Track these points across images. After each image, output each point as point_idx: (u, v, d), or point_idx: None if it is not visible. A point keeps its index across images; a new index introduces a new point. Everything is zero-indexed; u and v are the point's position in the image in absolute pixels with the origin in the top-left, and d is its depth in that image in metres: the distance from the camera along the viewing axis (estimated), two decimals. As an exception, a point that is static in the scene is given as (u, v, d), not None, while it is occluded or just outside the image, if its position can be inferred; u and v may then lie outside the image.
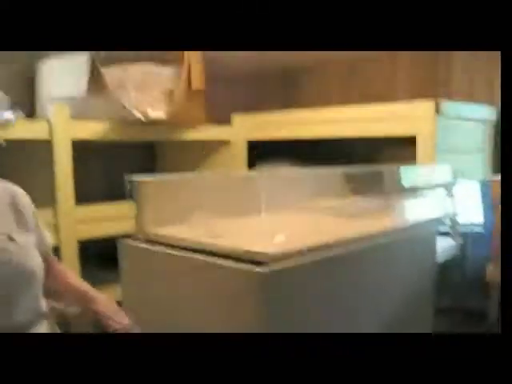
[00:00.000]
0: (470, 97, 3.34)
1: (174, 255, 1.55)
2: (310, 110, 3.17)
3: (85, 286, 1.52)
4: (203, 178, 1.97)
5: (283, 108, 3.53)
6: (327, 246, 1.51)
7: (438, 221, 2.42)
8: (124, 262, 1.72)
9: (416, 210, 2.29)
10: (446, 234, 2.78)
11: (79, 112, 2.66)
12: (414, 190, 2.45)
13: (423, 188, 2.49)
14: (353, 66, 3.84)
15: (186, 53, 2.97)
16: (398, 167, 2.37)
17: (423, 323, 1.99)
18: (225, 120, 3.41)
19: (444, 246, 2.67)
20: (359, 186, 2.41)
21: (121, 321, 1.42)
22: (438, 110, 2.61)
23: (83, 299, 1.47)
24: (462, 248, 2.83)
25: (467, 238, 2.92)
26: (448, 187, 2.66)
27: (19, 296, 1.24)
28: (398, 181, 2.44)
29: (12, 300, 1.22)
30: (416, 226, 1.95)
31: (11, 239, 1.27)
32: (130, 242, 1.73)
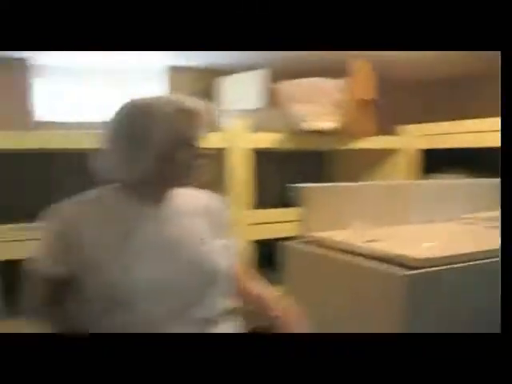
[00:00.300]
0: None
1: (332, 257, 1.69)
2: (486, 120, 3.10)
3: (262, 289, 1.49)
4: (361, 187, 2.07)
5: (449, 117, 3.48)
6: (472, 255, 1.54)
7: None
8: (287, 262, 1.90)
9: None
10: None
11: (255, 124, 2.91)
12: None
13: None
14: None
15: (354, 64, 3.08)
16: None
17: None
18: (392, 129, 3.46)
19: None
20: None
21: (296, 323, 1.38)
22: None
23: (258, 303, 1.46)
24: None
25: None
26: None
27: (208, 293, 1.33)
28: None
29: (202, 297, 1.32)
30: None
31: (206, 242, 1.36)
32: (293, 244, 1.90)
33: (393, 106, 3.86)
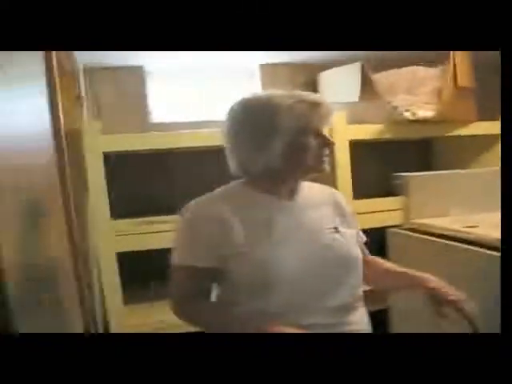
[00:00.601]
0: None
1: (434, 241, 1.80)
2: None
3: (401, 268, 1.52)
4: (461, 174, 2.15)
5: None
6: None
7: None
8: (392, 247, 2.02)
9: None
10: None
11: (355, 116, 3.02)
12: None
13: None
14: None
15: (452, 52, 3.11)
16: None
17: None
18: (494, 115, 3.44)
19: None
20: None
21: (455, 293, 1.38)
22: None
23: (407, 279, 1.47)
24: None
25: None
26: None
27: (344, 279, 1.37)
28: None
29: (339, 282, 1.36)
30: None
31: (337, 231, 1.41)
32: (398, 230, 2.02)
33: (493, 93, 3.83)
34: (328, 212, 1.46)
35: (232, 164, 1.40)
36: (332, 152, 2.85)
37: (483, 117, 3.33)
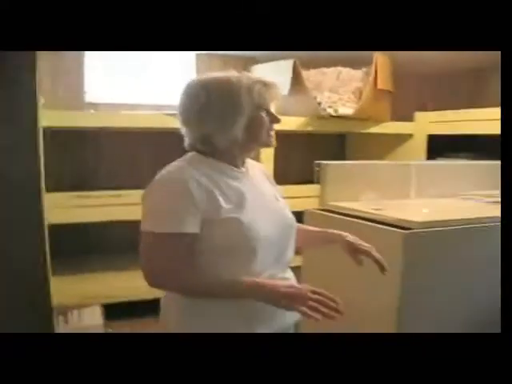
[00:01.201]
0: None
1: (346, 220, 2.07)
2: (486, 109, 3.44)
3: (320, 229, 1.74)
4: (373, 165, 2.44)
5: (469, 105, 3.80)
6: (459, 221, 1.93)
7: None
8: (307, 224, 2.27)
9: None
10: None
11: (283, 108, 3.26)
12: None
13: None
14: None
15: (374, 55, 3.42)
16: None
17: None
18: (407, 117, 3.82)
19: None
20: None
21: (366, 244, 1.60)
22: None
23: (328, 236, 1.68)
24: None
25: None
26: None
27: (290, 240, 1.52)
28: None
29: (288, 243, 1.51)
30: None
31: (277, 199, 1.56)
32: (314, 210, 2.28)
33: (408, 96, 4.21)
34: (266, 183, 1.61)
35: (191, 138, 1.46)
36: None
37: (395, 118, 3.70)
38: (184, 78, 3.53)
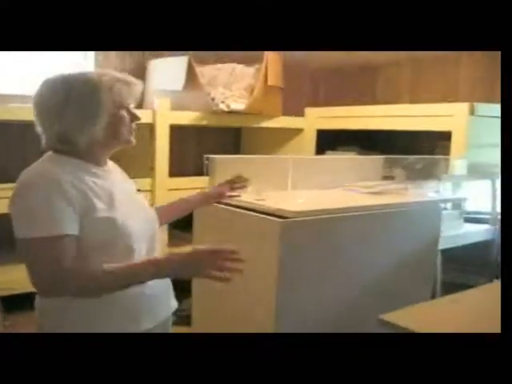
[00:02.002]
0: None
1: (230, 210, 2.21)
2: (369, 107, 3.71)
3: (177, 200, 1.90)
4: (259, 159, 2.60)
5: (358, 102, 4.06)
6: (329, 210, 2.12)
7: (457, 204, 2.91)
8: (196, 215, 2.40)
9: (428, 194, 2.77)
10: (485, 219, 3.26)
11: (178, 103, 3.36)
12: (452, 178, 2.96)
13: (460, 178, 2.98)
14: (419, 66, 4.28)
15: (265, 53, 3.58)
16: (444, 158, 2.92)
17: (423, 286, 2.54)
18: (298, 112, 4.02)
19: (479, 229, 3.17)
20: (407, 172, 2.98)
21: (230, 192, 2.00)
22: (472, 111, 3.07)
23: (187, 203, 1.91)
24: (496, 232, 3.25)
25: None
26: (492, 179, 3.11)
27: (155, 233, 1.57)
28: (440, 170, 2.97)
29: (154, 236, 1.55)
30: (417, 204, 2.49)
31: (142, 198, 1.63)
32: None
33: (298, 92, 4.43)
34: (126, 179, 1.64)
35: (48, 137, 1.42)
36: (153, 134, 3.19)
37: (287, 113, 3.89)
38: (79, 71, 3.55)
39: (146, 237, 1.51)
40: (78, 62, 3.69)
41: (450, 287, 3.03)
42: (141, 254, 1.46)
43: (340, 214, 2.14)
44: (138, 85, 1.49)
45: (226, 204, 2.28)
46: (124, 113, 1.45)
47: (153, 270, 1.35)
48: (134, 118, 1.48)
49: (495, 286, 1.75)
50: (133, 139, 1.49)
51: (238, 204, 2.20)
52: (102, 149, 1.47)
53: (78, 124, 1.38)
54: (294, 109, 4.03)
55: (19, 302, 2.84)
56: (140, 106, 3.36)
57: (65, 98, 1.37)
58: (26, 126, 3.28)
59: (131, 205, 1.50)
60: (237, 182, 1.98)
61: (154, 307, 1.50)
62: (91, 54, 3.74)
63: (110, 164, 1.57)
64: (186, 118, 3.40)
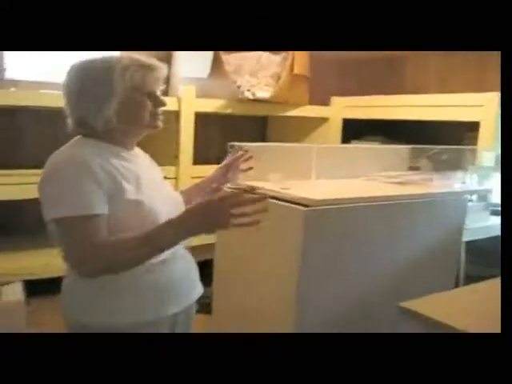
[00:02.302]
0: None
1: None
2: (395, 96, 3.68)
3: (194, 184, 1.88)
4: (281, 147, 2.59)
5: (385, 92, 4.03)
6: (353, 199, 2.11)
7: (483, 196, 2.88)
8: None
9: (454, 185, 2.73)
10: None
11: (203, 90, 3.37)
12: (479, 170, 2.93)
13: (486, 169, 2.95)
14: (447, 56, 4.23)
15: (293, 43, 3.56)
16: (471, 149, 2.89)
17: (447, 278, 2.53)
18: (324, 101, 4.01)
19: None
20: (433, 162, 2.94)
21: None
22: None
23: (206, 184, 1.87)
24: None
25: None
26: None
27: None
28: (467, 161, 2.94)
29: None
30: (441, 195, 2.46)
31: (168, 183, 1.63)
32: (226, 188, 2.41)
33: (324, 81, 4.40)
34: (153, 164, 1.65)
35: (71, 121, 1.45)
36: (178, 121, 3.21)
37: (313, 102, 3.87)
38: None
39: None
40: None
41: (474, 280, 3.01)
42: None
43: (363, 204, 2.12)
44: (161, 69, 1.47)
45: (250, 192, 2.29)
46: (144, 97, 1.43)
47: (170, 230, 1.35)
48: (159, 103, 1.47)
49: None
50: (159, 124, 1.48)
51: (261, 192, 2.20)
52: (125, 133, 1.47)
53: (93, 108, 1.39)
54: (320, 98, 4.02)
55: (42, 287, 2.90)
56: (165, 93, 3.39)
57: (81, 83, 1.39)
58: (58, 113, 3.34)
59: (158, 189, 1.51)
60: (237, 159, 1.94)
61: (180, 291, 1.51)
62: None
63: (138, 150, 1.58)
64: (212, 105, 3.41)
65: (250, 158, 1.93)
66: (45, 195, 1.36)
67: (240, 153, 1.94)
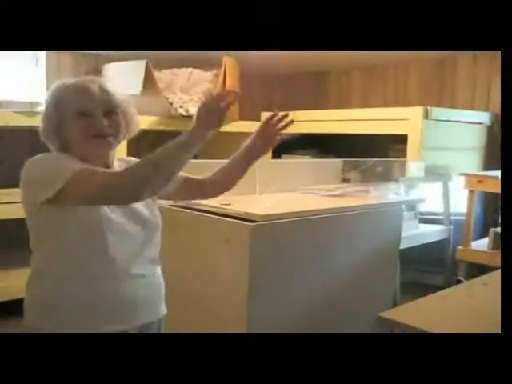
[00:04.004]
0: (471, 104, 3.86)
1: (199, 215, 2.22)
2: (325, 111, 3.79)
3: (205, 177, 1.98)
4: (217, 163, 2.60)
5: (312, 106, 4.14)
6: (297, 213, 2.16)
7: (413, 205, 3.01)
8: (166, 220, 2.38)
9: (388, 195, 2.85)
10: (438, 219, 3.37)
11: (136, 107, 3.32)
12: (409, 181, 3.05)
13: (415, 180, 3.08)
14: (372, 72, 4.40)
15: (223, 58, 3.60)
16: (400, 161, 3.01)
17: (388, 283, 2.62)
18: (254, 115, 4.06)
19: (434, 230, 3.28)
20: (365, 175, 3.05)
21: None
22: (426, 115, 3.17)
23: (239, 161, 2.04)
24: (450, 232, 3.36)
25: (455, 224, 3.43)
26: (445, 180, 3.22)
27: (151, 237, 1.61)
28: (396, 172, 3.06)
29: (149, 239, 1.60)
30: (378, 206, 2.56)
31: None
32: (169, 207, 2.40)
33: (254, 96, 4.48)
34: None
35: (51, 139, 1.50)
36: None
37: (242, 118, 3.93)
38: (31, 75, 3.53)
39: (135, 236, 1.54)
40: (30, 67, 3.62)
41: (409, 286, 3.15)
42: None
43: (307, 217, 2.17)
44: (93, 89, 1.48)
45: (192, 208, 2.29)
46: (79, 119, 1.44)
47: (183, 137, 1.48)
48: (98, 126, 1.46)
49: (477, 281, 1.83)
50: (106, 131, 1.47)
51: (205, 208, 2.21)
52: (79, 150, 1.47)
53: (46, 132, 1.47)
54: (249, 114, 4.07)
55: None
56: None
57: (45, 105, 1.48)
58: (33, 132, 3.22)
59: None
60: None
61: (135, 309, 1.52)
62: (43, 58, 3.68)
63: (118, 165, 1.61)
64: (144, 122, 3.38)
65: (286, 115, 1.86)
66: (33, 179, 1.39)
67: (272, 113, 1.89)
